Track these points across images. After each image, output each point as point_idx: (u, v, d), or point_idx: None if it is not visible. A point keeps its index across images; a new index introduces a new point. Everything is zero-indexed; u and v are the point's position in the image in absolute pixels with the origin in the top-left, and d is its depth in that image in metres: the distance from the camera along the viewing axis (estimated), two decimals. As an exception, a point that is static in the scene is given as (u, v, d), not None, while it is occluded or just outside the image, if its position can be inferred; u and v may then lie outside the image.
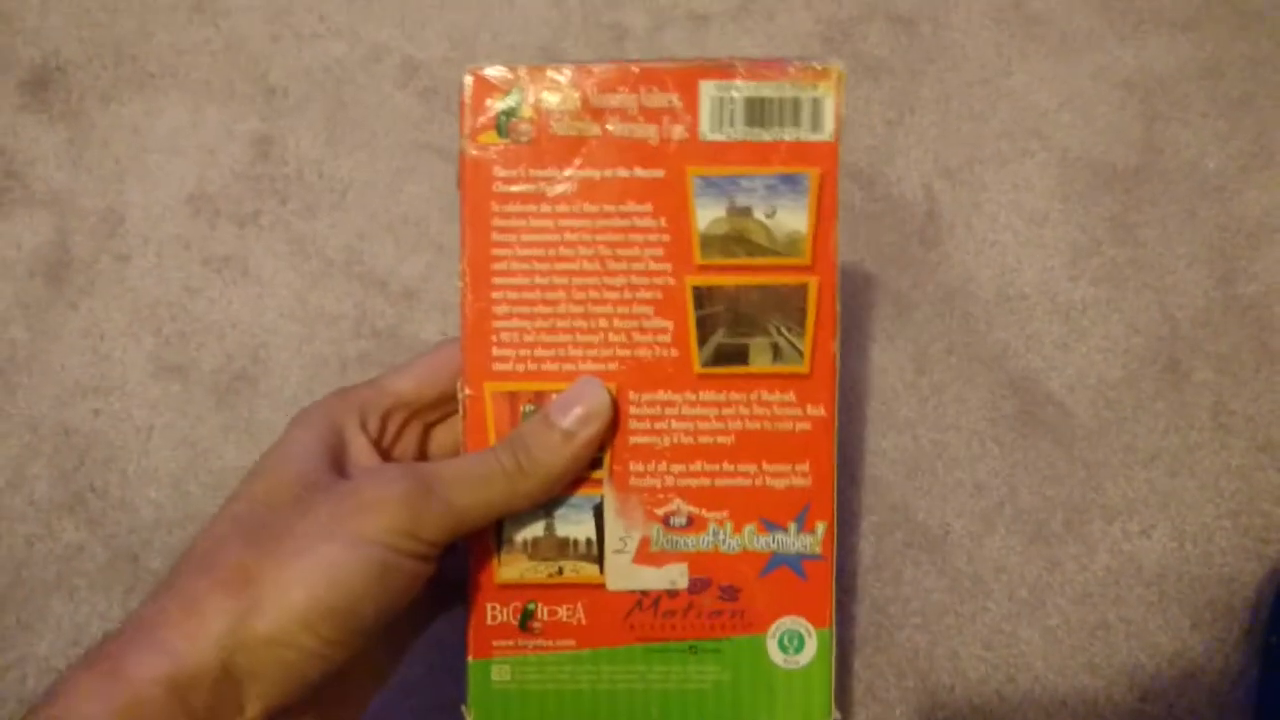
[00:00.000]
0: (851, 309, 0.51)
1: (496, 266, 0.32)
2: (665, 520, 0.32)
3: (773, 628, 0.32)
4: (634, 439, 0.32)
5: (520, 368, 0.32)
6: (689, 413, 0.32)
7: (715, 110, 0.32)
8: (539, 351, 0.32)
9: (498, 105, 0.31)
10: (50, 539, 0.45)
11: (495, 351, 0.32)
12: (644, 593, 0.32)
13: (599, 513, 0.32)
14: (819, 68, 0.32)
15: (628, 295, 0.32)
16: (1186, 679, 0.41)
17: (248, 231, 0.53)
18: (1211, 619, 0.42)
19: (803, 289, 0.33)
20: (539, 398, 0.32)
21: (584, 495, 0.32)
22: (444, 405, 0.34)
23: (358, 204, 0.54)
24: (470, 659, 0.33)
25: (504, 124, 0.32)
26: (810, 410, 0.33)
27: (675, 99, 0.31)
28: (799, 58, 0.32)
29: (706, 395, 0.32)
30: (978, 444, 0.47)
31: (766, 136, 0.32)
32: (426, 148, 0.56)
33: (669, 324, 0.32)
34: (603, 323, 0.32)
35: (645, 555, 0.32)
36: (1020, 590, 0.43)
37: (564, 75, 0.31)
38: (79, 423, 0.48)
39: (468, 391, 0.32)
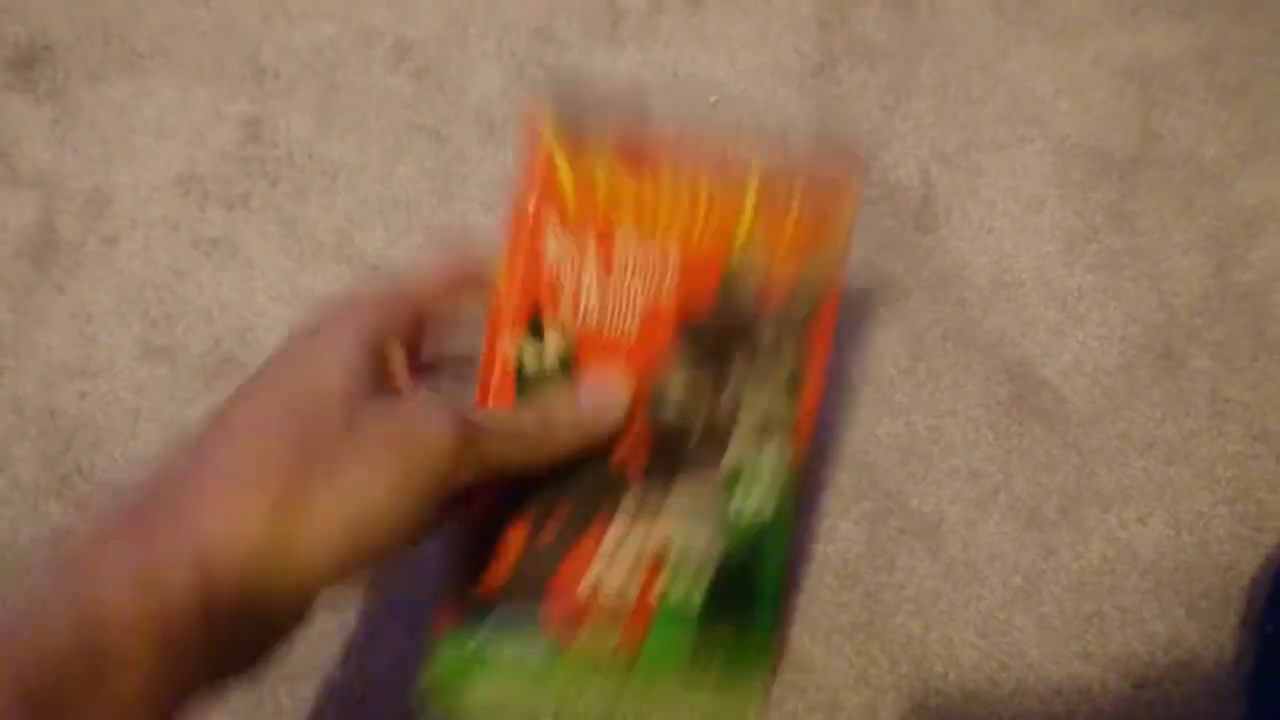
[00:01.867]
0: (847, 295, 0.51)
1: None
2: None
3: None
4: None
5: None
6: None
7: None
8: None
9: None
10: (36, 522, 0.44)
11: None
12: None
13: None
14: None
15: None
16: (1181, 667, 0.41)
17: (237, 214, 0.53)
18: (1207, 607, 0.42)
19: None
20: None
21: None
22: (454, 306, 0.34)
23: (348, 186, 0.54)
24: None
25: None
26: None
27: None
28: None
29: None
30: (973, 430, 0.46)
31: None
32: (418, 130, 0.56)
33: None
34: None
35: None
36: (1015, 577, 0.43)
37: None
38: (65, 405, 0.47)
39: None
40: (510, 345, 0.33)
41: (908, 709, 0.40)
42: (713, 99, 0.58)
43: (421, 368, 0.33)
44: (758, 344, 0.34)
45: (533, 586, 0.33)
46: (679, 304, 0.33)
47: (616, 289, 0.33)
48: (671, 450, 0.34)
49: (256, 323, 0.49)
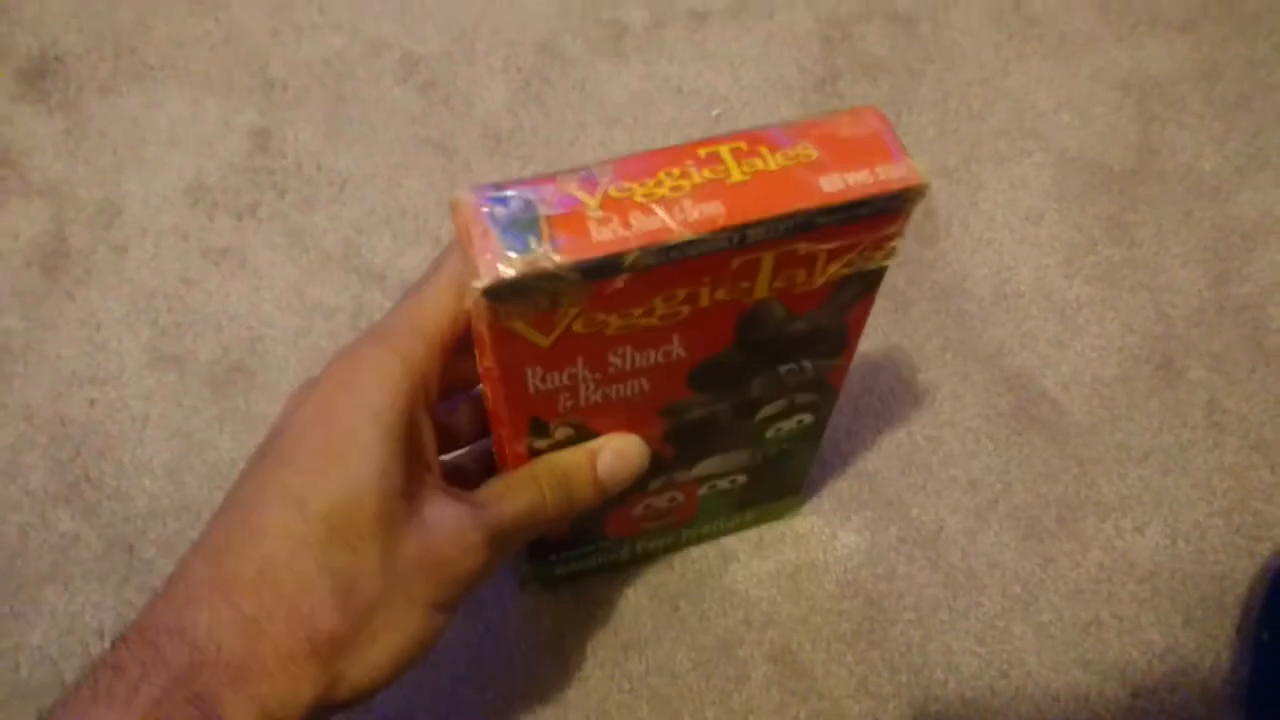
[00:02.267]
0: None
1: None
2: None
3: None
4: None
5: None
6: None
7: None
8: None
9: None
10: (45, 529, 0.45)
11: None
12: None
13: None
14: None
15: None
16: (1178, 675, 0.41)
17: (245, 223, 0.53)
18: (1203, 616, 0.42)
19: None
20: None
21: None
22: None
23: (356, 197, 0.54)
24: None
25: None
26: None
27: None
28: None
29: None
30: (972, 440, 0.47)
31: None
32: (425, 142, 0.56)
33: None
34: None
35: None
36: (1014, 586, 0.43)
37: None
38: (75, 412, 0.48)
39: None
40: (517, 444, 0.31)
41: (908, 717, 0.41)
42: (715, 113, 0.59)
43: (440, 404, 0.31)
44: (785, 352, 0.32)
45: (589, 535, 0.39)
46: (691, 352, 0.30)
47: (618, 378, 0.30)
48: (696, 441, 0.35)
49: (265, 332, 0.50)
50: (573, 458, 0.32)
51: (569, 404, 0.30)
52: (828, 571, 0.44)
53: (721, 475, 0.38)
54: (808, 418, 0.36)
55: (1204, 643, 0.42)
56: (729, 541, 0.45)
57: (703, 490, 0.38)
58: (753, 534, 0.45)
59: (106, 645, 0.42)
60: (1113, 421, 0.47)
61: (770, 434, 0.36)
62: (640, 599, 0.43)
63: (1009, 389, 0.48)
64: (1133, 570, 0.44)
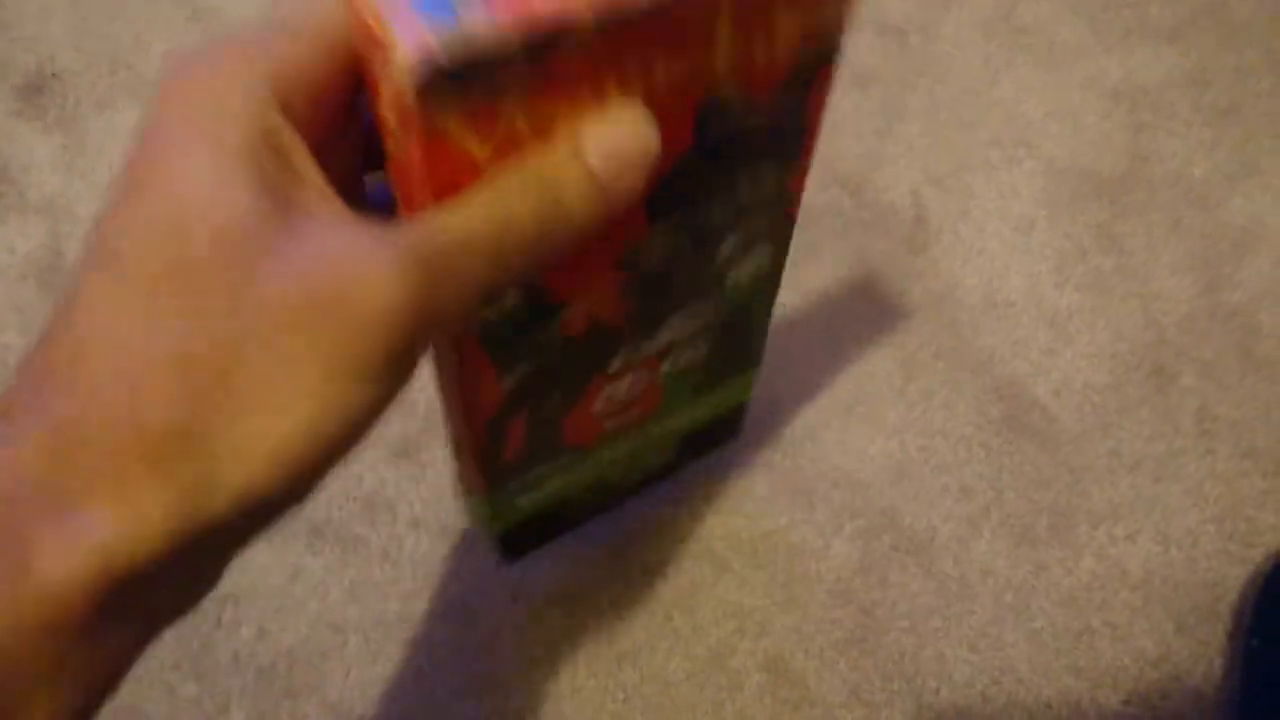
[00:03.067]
0: (840, 314, 0.51)
1: None
2: None
3: None
4: None
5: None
6: None
7: None
8: None
9: None
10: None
11: None
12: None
13: None
14: None
15: None
16: (1170, 682, 0.41)
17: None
18: (1195, 623, 0.43)
19: None
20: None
21: None
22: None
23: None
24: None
25: None
26: None
27: None
28: None
29: None
30: (964, 449, 0.47)
31: None
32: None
33: None
34: None
35: None
36: (1006, 594, 0.43)
37: None
38: (71, 426, 0.48)
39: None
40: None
41: (901, 725, 0.41)
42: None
43: (340, 146, 0.22)
44: (744, 155, 0.28)
45: (548, 445, 0.35)
46: None
47: None
48: (657, 295, 0.31)
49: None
50: (549, 154, 0.22)
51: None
52: (820, 580, 0.44)
53: (684, 341, 0.34)
54: (764, 259, 0.34)
55: (1196, 650, 0.42)
56: (722, 550, 0.45)
57: (665, 366, 0.35)
58: (745, 543, 0.45)
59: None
60: (1104, 429, 0.47)
61: (730, 281, 0.33)
62: (634, 609, 0.43)
63: (1000, 397, 0.48)
64: (1125, 578, 0.44)
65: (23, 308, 0.51)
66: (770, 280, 0.36)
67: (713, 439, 0.44)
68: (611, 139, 0.22)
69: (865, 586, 0.44)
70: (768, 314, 0.38)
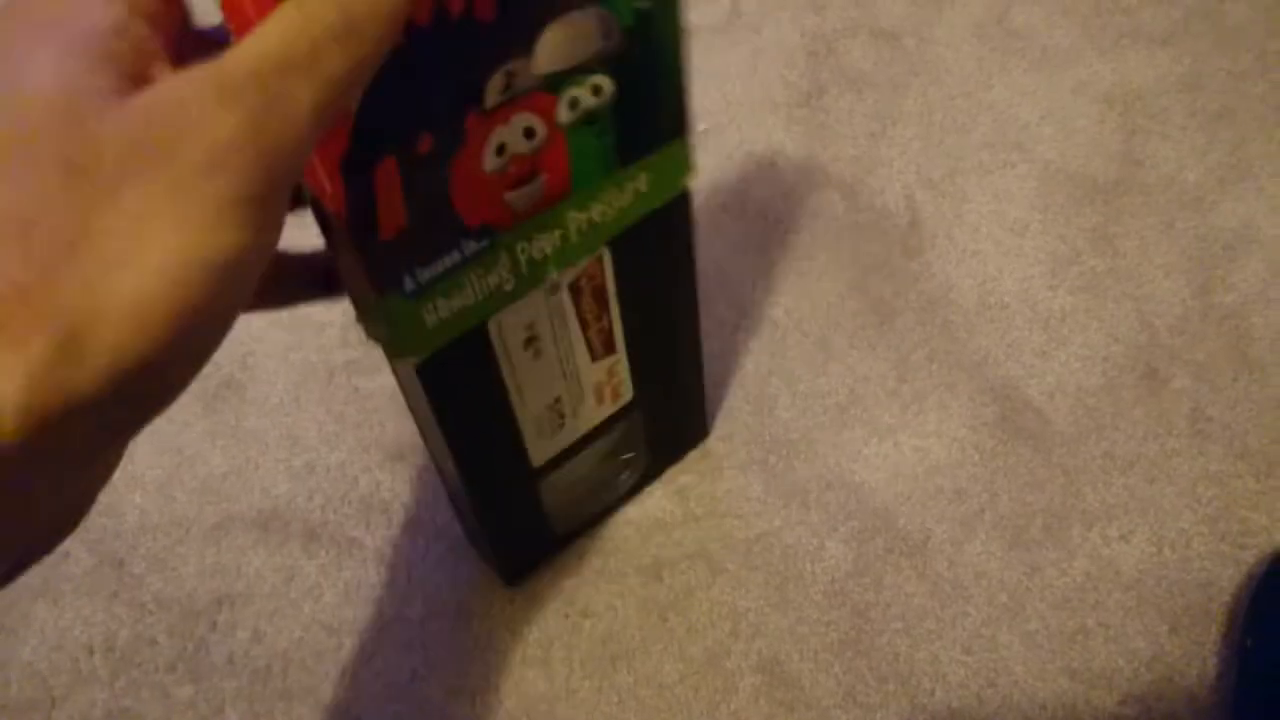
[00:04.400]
0: (835, 317, 0.52)
1: None
2: None
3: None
4: None
5: None
6: None
7: None
8: None
9: None
10: (36, 545, 0.45)
11: None
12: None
13: None
14: None
15: None
16: (1164, 683, 0.41)
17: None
18: (1189, 623, 0.43)
19: None
20: None
21: None
22: None
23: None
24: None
25: None
26: None
27: None
28: None
29: None
30: (958, 450, 0.47)
31: None
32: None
33: None
34: None
35: None
36: (1000, 595, 0.43)
37: None
38: (66, 429, 0.48)
39: None
40: None
41: (896, 726, 0.41)
42: (701, 127, 0.59)
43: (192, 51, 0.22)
44: None
45: (440, 221, 0.29)
46: None
47: None
48: None
49: (255, 347, 0.50)
50: None
51: None
52: (815, 582, 0.44)
53: (578, 79, 0.29)
54: None
55: (1190, 650, 0.42)
56: (717, 552, 0.45)
57: (563, 115, 0.30)
58: (740, 545, 0.45)
59: (96, 661, 0.42)
60: (1097, 431, 0.48)
61: None
62: (628, 611, 0.43)
63: (994, 399, 0.49)
64: (1119, 578, 0.44)
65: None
66: (670, 4, 0.30)
67: (670, 372, 0.42)
68: None
69: (860, 588, 0.44)
70: (678, 57, 0.32)
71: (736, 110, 0.60)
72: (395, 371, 0.35)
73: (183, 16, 0.22)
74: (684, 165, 0.35)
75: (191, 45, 0.22)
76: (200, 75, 0.18)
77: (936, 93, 0.60)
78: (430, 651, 0.43)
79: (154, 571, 0.45)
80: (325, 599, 0.44)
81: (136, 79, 0.19)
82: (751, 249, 0.54)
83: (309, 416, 0.49)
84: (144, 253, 0.17)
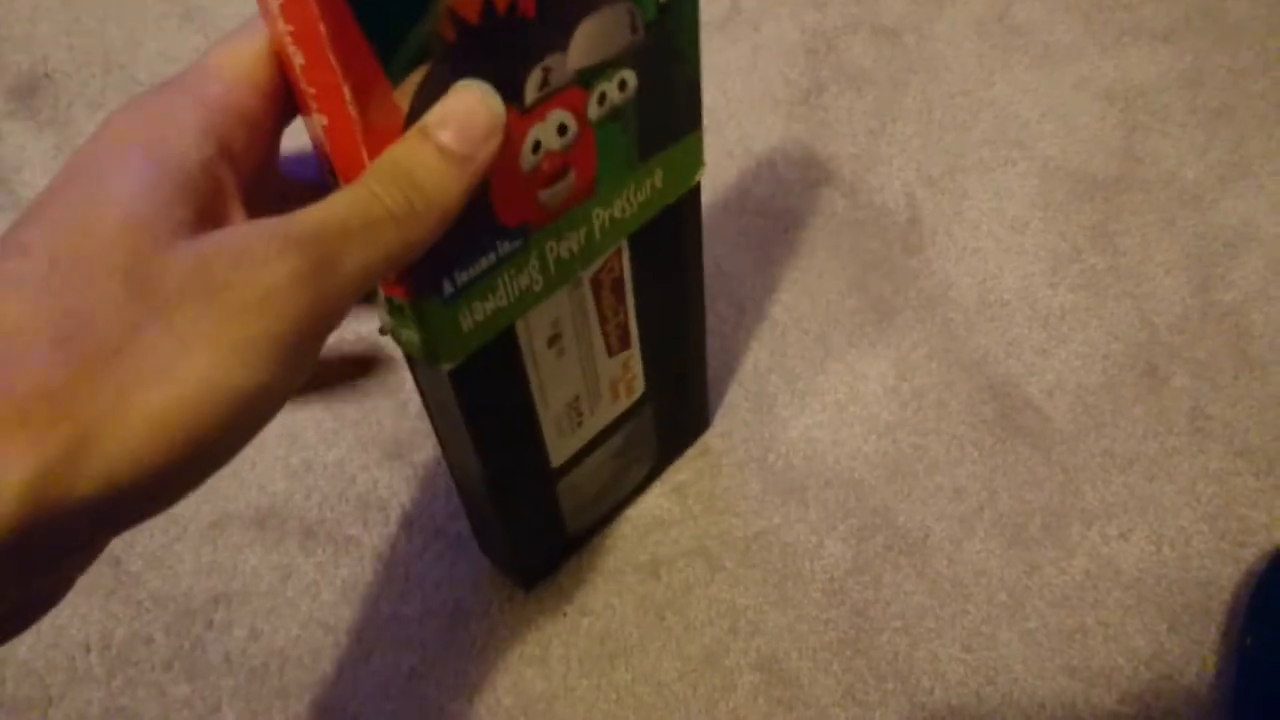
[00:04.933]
0: (834, 315, 0.51)
1: None
2: None
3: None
4: None
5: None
6: None
7: None
8: None
9: None
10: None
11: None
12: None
13: None
14: None
15: None
16: (1164, 681, 0.41)
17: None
18: (1189, 622, 0.42)
19: None
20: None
21: None
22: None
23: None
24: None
25: None
26: None
27: None
28: None
29: None
30: (958, 448, 0.47)
31: None
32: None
33: None
34: None
35: None
36: (1000, 594, 0.43)
37: None
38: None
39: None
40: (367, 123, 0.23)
41: (895, 725, 0.41)
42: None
43: (270, 197, 0.24)
44: None
45: (479, 218, 0.29)
46: None
47: None
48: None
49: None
50: (401, 144, 0.23)
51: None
52: (814, 580, 0.44)
53: (607, 71, 0.30)
54: None
55: (1190, 649, 0.42)
56: (716, 549, 0.45)
57: (593, 111, 0.30)
58: (739, 543, 0.45)
59: (93, 659, 0.42)
60: (1097, 429, 0.47)
61: None
62: (626, 609, 0.43)
63: (994, 397, 0.48)
64: (1118, 577, 0.44)
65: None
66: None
67: (681, 393, 0.43)
68: (455, 113, 0.24)
69: (859, 586, 0.44)
70: (695, 50, 0.33)
71: (736, 107, 0.60)
72: (419, 378, 0.35)
73: (266, 160, 0.24)
74: (697, 159, 0.36)
75: (275, 177, 0.25)
76: (268, 226, 0.20)
77: (937, 90, 0.60)
78: (428, 650, 0.42)
79: (151, 569, 0.44)
80: (322, 597, 0.44)
81: (211, 216, 0.21)
82: (751, 246, 0.54)
83: (306, 414, 0.49)
84: (178, 371, 0.18)
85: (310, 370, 0.22)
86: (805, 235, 0.54)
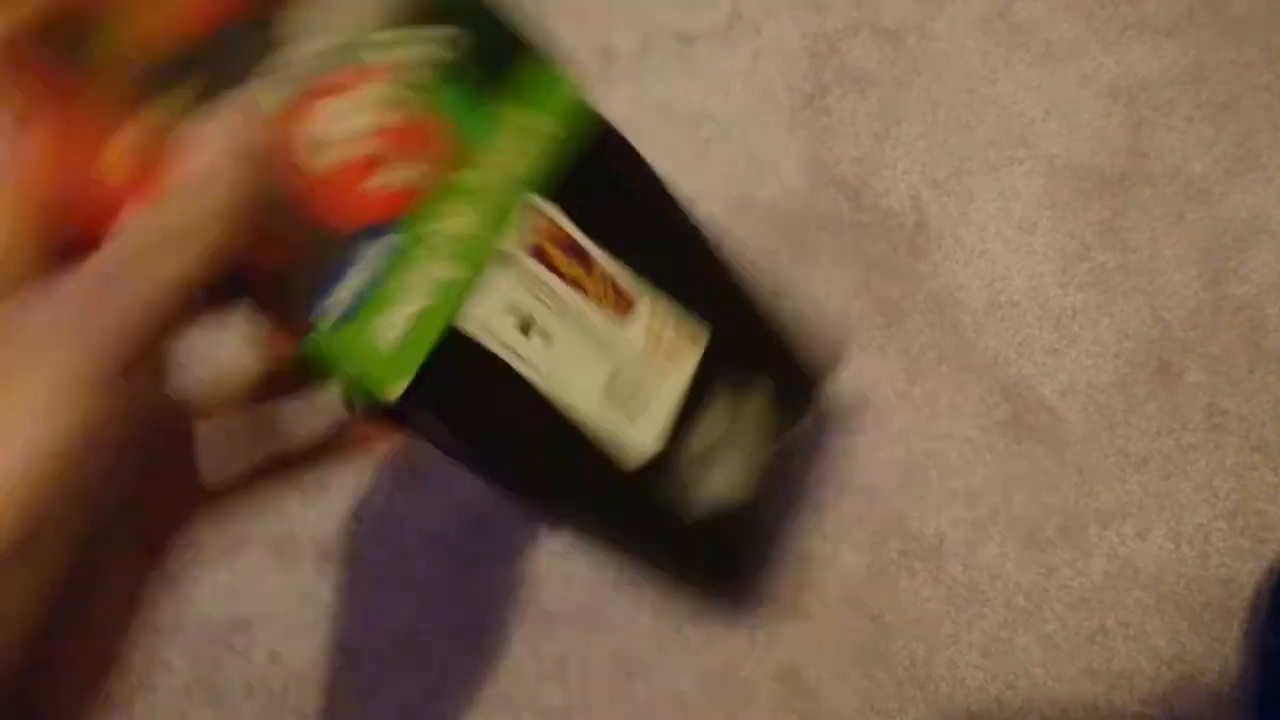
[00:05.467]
0: (842, 320, 0.51)
1: None
2: None
3: None
4: None
5: None
6: None
7: None
8: None
9: None
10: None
11: None
12: None
13: None
14: None
15: None
16: (1186, 681, 0.41)
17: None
18: (1210, 620, 0.42)
19: None
20: None
21: None
22: None
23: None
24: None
25: None
26: None
27: None
28: None
29: None
30: (970, 452, 0.47)
31: None
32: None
33: None
34: None
35: None
36: (1017, 597, 0.43)
37: None
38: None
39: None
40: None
41: (915, 732, 0.41)
42: (705, 133, 0.59)
43: None
44: None
45: (306, 235, 0.26)
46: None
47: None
48: None
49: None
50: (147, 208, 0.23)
51: None
52: (830, 588, 0.44)
53: (388, 38, 0.28)
54: None
55: (1211, 647, 0.42)
56: (730, 561, 0.45)
57: (394, 83, 0.28)
58: (754, 553, 0.45)
59: (112, 685, 0.42)
60: (1111, 428, 0.47)
61: None
62: (643, 622, 0.43)
63: (1006, 398, 0.48)
64: (1137, 577, 0.43)
65: (28, 337, 0.51)
66: None
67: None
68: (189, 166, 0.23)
69: (874, 594, 0.43)
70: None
71: (738, 114, 0.60)
72: (419, 432, 0.32)
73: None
74: (564, 88, 0.32)
75: None
76: (48, 282, 0.21)
77: (940, 90, 0.60)
78: (446, 668, 0.43)
79: (167, 594, 0.45)
80: (340, 619, 0.44)
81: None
82: (755, 252, 0.54)
83: (319, 435, 0.49)
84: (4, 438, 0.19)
85: (136, 392, 0.22)
86: (810, 240, 0.54)
